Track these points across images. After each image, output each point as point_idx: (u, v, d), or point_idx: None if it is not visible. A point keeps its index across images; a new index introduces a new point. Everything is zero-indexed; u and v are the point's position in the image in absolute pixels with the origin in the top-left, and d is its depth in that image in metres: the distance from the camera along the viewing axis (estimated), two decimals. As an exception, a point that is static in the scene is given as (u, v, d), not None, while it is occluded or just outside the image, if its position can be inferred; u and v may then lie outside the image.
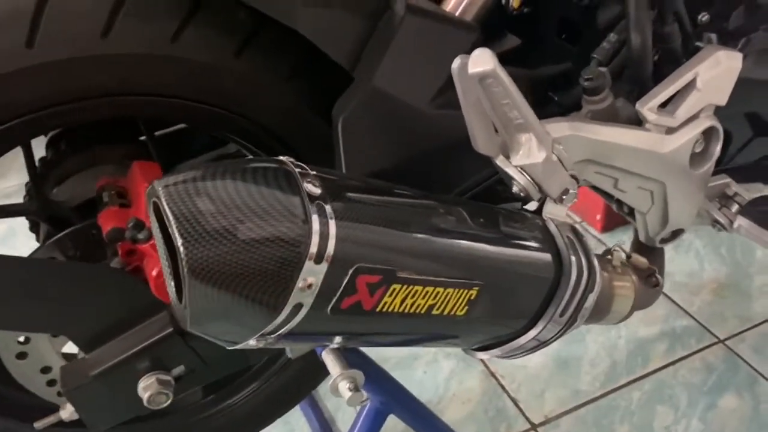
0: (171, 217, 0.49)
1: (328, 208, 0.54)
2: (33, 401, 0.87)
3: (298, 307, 0.53)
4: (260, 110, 0.80)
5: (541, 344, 0.78)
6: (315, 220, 0.52)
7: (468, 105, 0.65)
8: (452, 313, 0.63)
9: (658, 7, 0.84)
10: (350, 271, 0.54)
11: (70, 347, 0.82)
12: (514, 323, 0.72)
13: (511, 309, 0.70)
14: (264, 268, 0.50)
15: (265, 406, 1.07)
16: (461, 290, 0.63)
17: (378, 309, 0.58)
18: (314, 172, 0.56)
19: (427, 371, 1.52)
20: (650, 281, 0.94)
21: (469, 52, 0.80)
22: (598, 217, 1.85)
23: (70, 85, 0.69)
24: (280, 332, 0.55)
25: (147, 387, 0.74)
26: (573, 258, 0.73)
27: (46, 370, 0.85)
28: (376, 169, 0.76)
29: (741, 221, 1.00)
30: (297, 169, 0.55)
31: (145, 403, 0.74)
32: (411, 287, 0.59)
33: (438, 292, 0.61)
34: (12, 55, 0.65)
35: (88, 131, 0.96)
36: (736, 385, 1.43)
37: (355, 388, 0.70)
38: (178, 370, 0.77)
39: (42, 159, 0.96)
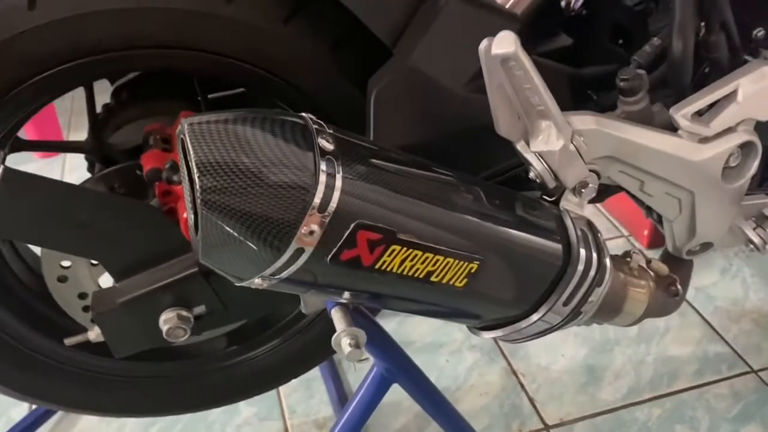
0: (191, 152, 0.54)
1: (337, 163, 0.57)
2: (66, 323, 0.94)
3: (300, 251, 0.57)
4: (302, 77, 0.84)
5: (544, 331, 0.79)
6: (322, 173, 0.56)
7: (492, 88, 0.68)
8: (451, 282, 0.66)
9: (705, 17, 0.84)
10: (352, 225, 0.58)
11: (108, 280, 0.89)
12: (515, 305, 0.74)
13: (511, 289, 0.72)
14: (271, 210, 0.55)
15: (285, 363, 1.12)
16: (461, 262, 0.65)
17: (376, 266, 0.61)
18: (331, 131, 0.60)
19: (450, 360, 1.54)
20: (670, 290, 0.94)
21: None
22: (646, 232, 1.83)
23: (130, 34, 0.75)
24: (281, 275, 0.59)
25: (167, 320, 0.80)
26: (583, 250, 0.75)
27: (82, 296, 0.92)
28: (402, 144, 0.79)
29: (774, 244, 0.98)
30: (315, 126, 0.59)
31: (164, 334, 0.80)
32: (411, 250, 0.62)
33: (438, 260, 0.64)
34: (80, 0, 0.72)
35: (150, 85, 1.03)
36: (762, 417, 1.40)
37: (356, 345, 0.73)
38: (199, 309, 0.83)
39: (106, 105, 1.04)
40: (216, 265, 0.60)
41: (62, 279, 0.90)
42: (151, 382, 1.06)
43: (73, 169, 2.21)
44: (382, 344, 0.90)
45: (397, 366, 0.93)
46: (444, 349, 1.56)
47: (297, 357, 1.12)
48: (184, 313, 0.80)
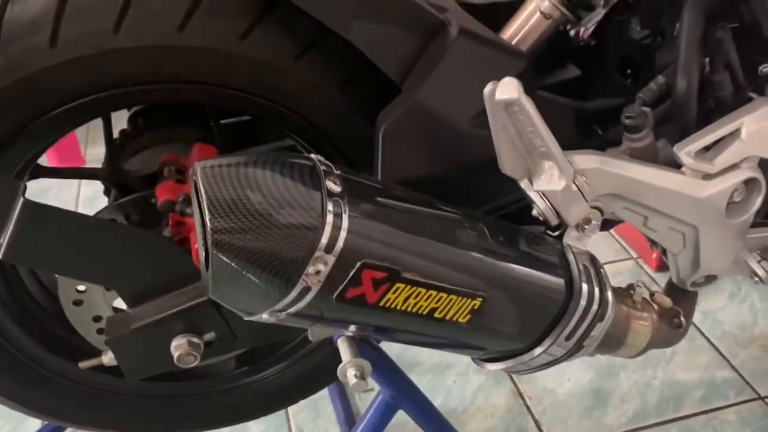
0: (203, 194, 0.56)
1: (344, 204, 0.59)
2: (80, 344, 0.97)
3: (307, 290, 0.59)
4: (314, 111, 0.86)
5: (547, 363, 0.81)
6: (329, 213, 0.58)
7: (496, 129, 0.70)
8: (454, 318, 0.68)
9: (710, 55, 0.86)
10: (357, 265, 0.60)
11: (122, 303, 0.92)
12: (518, 339, 0.76)
13: (514, 325, 0.73)
14: (279, 250, 0.57)
15: (293, 384, 1.14)
16: (465, 299, 0.67)
17: (381, 304, 0.63)
18: (338, 172, 0.62)
19: (457, 381, 1.55)
20: (673, 322, 0.95)
21: (519, 78, 0.85)
22: (654, 255, 1.83)
23: (146, 69, 0.78)
24: (289, 311, 0.61)
25: (178, 346, 0.82)
26: (585, 285, 0.76)
27: (97, 318, 0.95)
28: (409, 179, 0.81)
29: (778, 277, 0.99)
30: (322, 167, 0.61)
31: (174, 360, 0.82)
32: (414, 288, 0.64)
33: (441, 297, 0.66)
34: (100, 38, 0.75)
35: (165, 112, 1.06)
36: (769, 444, 1.40)
37: (361, 377, 0.75)
38: (209, 336, 0.85)
39: (122, 131, 1.06)
40: (225, 300, 0.62)
41: (78, 303, 0.93)
42: (161, 401, 1.09)
43: (91, 183, 2.25)
44: (388, 372, 0.92)
45: (403, 393, 0.94)
46: (451, 370, 1.57)
47: (305, 378, 1.14)
48: (195, 339, 0.82)
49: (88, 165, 2.42)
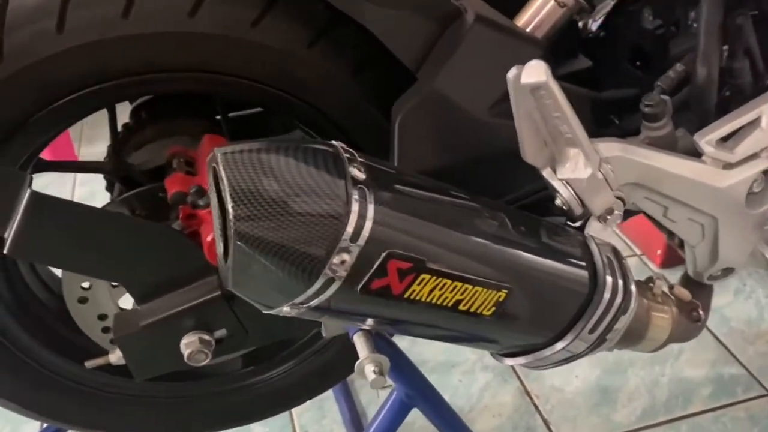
0: (225, 181, 0.54)
1: (369, 192, 0.57)
2: (86, 344, 0.94)
3: (331, 281, 0.57)
4: (327, 100, 0.84)
5: (567, 359, 0.79)
6: (355, 201, 0.56)
7: (520, 115, 0.68)
8: (479, 311, 0.66)
9: (729, 43, 0.84)
10: (383, 254, 0.58)
11: (127, 301, 0.89)
12: (541, 333, 0.74)
13: (539, 318, 0.72)
14: (303, 240, 0.55)
15: (300, 384, 1.11)
16: (490, 290, 0.65)
17: (406, 295, 0.61)
18: (362, 159, 0.60)
19: (463, 380, 1.53)
20: (692, 315, 0.94)
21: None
22: (659, 252, 1.82)
23: (156, 57, 0.75)
24: (311, 303, 0.59)
25: (189, 344, 0.80)
26: (609, 278, 0.74)
27: (102, 317, 0.92)
28: (427, 169, 0.79)
29: (795, 270, 0.98)
30: (346, 154, 0.59)
31: (185, 358, 0.79)
32: (440, 279, 0.62)
33: (466, 289, 0.63)
34: (109, 24, 0.72)
35: (169, 104, 1.04)
36: (779, 441, 1.39)
37: (380, 372, 0.73)
38: (220, 333, 0.82)
39: (125, 125, 1.04)
40: (246, 293, 0.59)
41: (83, 300, 0.90)
42: (167, 401, 1.06)
43: (85, 183, 2.22)
44: (404, 369, 0.90)
45: (418, 391, 0.92)
46: (457, 369, 1.55)
47: (312, 378, 1.12)
48: (206, 336, 0.80)
49: (84, 163, 2.38)
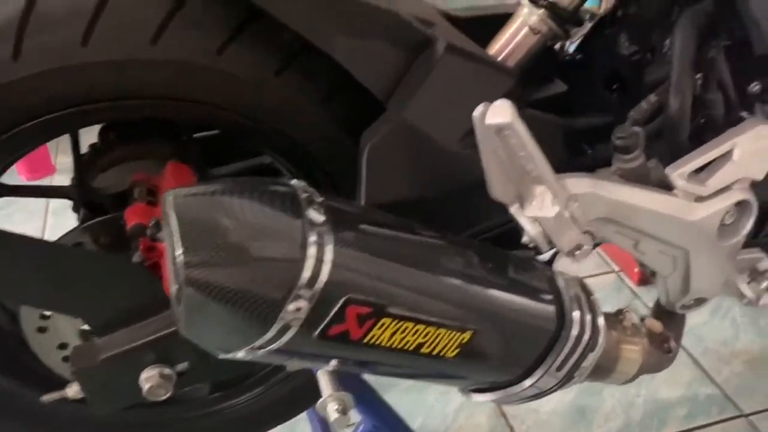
0: (175, 227, 0.52)
1: (327, 236, 0.55)
2: (47, 373, 0.91)
3: (286, 327, 0.55)
4: (295, 128, 0.82)
5: (536, 395, 0.78)
6: (312, 245, 0.54)
7: (486, 152, 0.66)
8: (442, 353, 0.64)
9: (702, 74, 0.84)
10: (341, 301, 0.56)
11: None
12: (508, 371, 0.73)
13: (504, 356, 0.70)
14: (257, 287, 0.53)
15: (269, 410, 1.10)
16: (454, 332, 0.64)
17: (365, 340, 0.59)
18: (321, 199, 0.58)
19: (438, 399, 1.52)
20: (663, 347, 0.93)
21: (505, 96, 0.82)
22: (636, 269, 1.82)
23: (116, 84, 0.73)
24: (266, 349, 0.57)
25: (149, 378, 0.77)
26: (576, 314, 0.73)
27: (63, 346, 0.89)
28: (395, 200, 0.77)
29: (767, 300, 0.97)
30: (304, 195, 0.57)
31: (144, 393, 0.77)
32: (401, 323, 0.60)
33: (429, 332, 0.62)
34: (67, 51, 0.70)
35: (136, 126, 1.01)
36: (752, 463, 1.39)
37: (343, 411, 0.71)
38: (182, 366, 0.80)
39: (91, 145, 1.01)
40: (198, 339, 0.58)
41: (42, 329, 0.88)
42: (135, 429, 1.04)
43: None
44: (370, 403, 0.88)
45: (385, 423, 0.90)
46: (432, 389, 1.54)
47: (281, 404, 1.10)
48: (166, 370, 0.78)
49: (58, 173, 2.35)
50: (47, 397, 0.82)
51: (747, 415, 1.49)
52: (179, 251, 0.51)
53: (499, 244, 0.88)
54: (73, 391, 0.80)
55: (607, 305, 1.79)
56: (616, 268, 1.91)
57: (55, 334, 0.88)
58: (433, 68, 0.76)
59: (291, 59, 0.77)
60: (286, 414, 1.12)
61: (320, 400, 0.72)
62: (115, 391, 0.79)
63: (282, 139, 0.83)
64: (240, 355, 0.58)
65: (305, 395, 1.10)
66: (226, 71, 0.75)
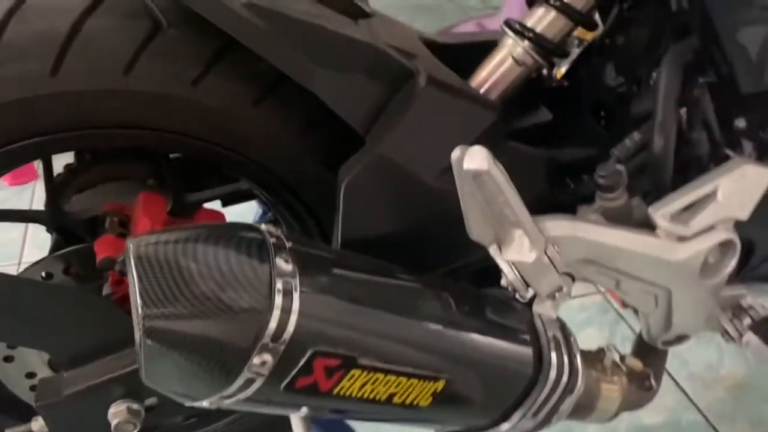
0: (135, 278, 0.50)
1: (295, 287, 0.54)
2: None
3: (251, 381, 0.53)
4: (273, 159, 0.81)
5: (513, 438, 0.76)
6: (279, 295, 0.52)
7: (464, 195, 0.65)
8: (415, 402, 0.63)
9: (687, 113, 0.83)
10: (308, 353, 0.54)
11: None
12: (484, 416, 0.71)
13: (479, 403, 0.69)
14: (219, 342, 0.51)
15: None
16: (426, 382, 0.62)
17: (335, 392, 0.58)
18: (290, 244, 0.56)
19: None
20: (644, 385, 0.92)
21: (487, 131, 0.80)
22: (622, 290, 1.81)
23: (87, 114, 0.71)
24: (231, 400, 0.55)
25: (116, 414, 0.75)
26: (555, 357, 0.72)
27: (30, 375, 0.87)
28: (372, 236, 0.76)
29: (750, 337, 0.96)
30: (272, 240, 0.55)
31: (112, 429, 0.75)
32: (372, 374, 0.58)
33: (401, 382, 0.60)
34: (37, 81, 0.68)
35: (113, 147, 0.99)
36: (734, 493, 1.37)
37: (314, 455, 0.70)
38: (151, 400, 0.78)
39: (67, 166, 0.99)
40: (160, 387, 0.56)
41: (9, 359, 0.85)
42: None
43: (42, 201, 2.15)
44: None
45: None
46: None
47: (259, 430, 1.08)
48: (134, 406, 0.76)
49: (40, 180, 2.32)
50: (11, 432, 0.80)
51: (728, 443, 1.48)
52: (139, 302, 0.50)
53: (480, 280, 0.87)
54: (38, 425, 0.77)
55: (593, 327, 1.79)
56: (602, 289, 1.89)
57: (22, 363, 0.86)
58: (413, 102, 0.74)
59: (269, 90, 0.76)
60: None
61: (291, 442, 0.70)
62: (82, 426, 0.77)
63: (259, 169, 0.82)
64: (205, 404, 0.56)
65: (282, 421, 1.09)
66: (201, 102, 0.73)
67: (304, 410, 0.63)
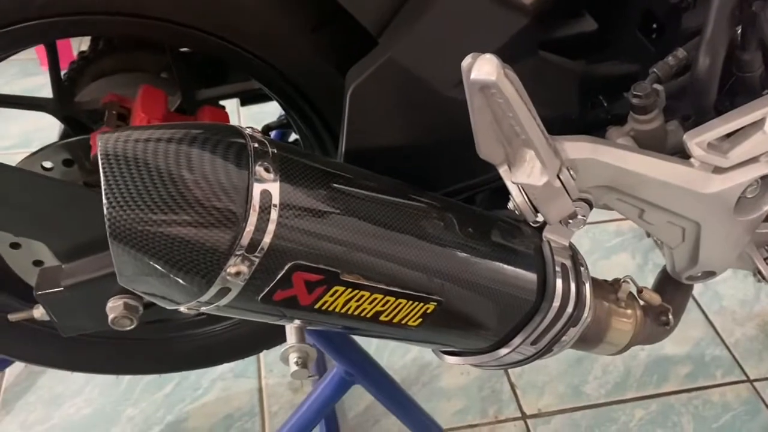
0: (102, 176, 0.47)
1: (275, 195, 0.50)
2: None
3: (225, 290, 0.51)
4: (282, 59, 0.76)
5: (515, 362, 0.74)
6: (255, 207, 0.49)
7: (473, 109, 0.59)
8: (403, 322, 0.60)
9: (741, 30, 0.73)
10: (286, 267, 0.52)
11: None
12: (480, 341, 0.69)
13: (474, 328, 0.66)
14: (189, 250, 0.48)
15: (252, 336, 1.08)
16: (415, 303, 0.59)
17: (317, 306, 0.55)
18: (274, 151, 0.52)
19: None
20: (660, 320, 0.88)
21: (516, 37, 0.73)
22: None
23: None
24: (209, 308, 0.54)
25: (113, 308, 0.75)
26: (560, 286, 0.68)
27: (38, 263, 0.88)
28: (378, 147, 0.71)
29: (784, 278, 0.90)
30: (254, 144, 0.51)
31: (109, 323, 0.76)
32: (356, 291, 0.56)
33: (388, 301, 0.58)
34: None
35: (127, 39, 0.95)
36: (749, 431, 1.35)
37: (303, 364, 0.68)
38: (150, 297, 0.78)
39: (81, 53, 0.96)
40: (137, 290, 0.54)
41: (15, 245, 0.86)
42: (120, 342, 1.04)
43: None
44: (345, 350, 0.85)
45: (358, 369, 0.88)
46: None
47: (264, 332, 1.08)
48: (132, 302, 0.75)
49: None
50: (14, 317, 0.81)
51: (752, 381, 1.44)
52: (105, 201, 0.47)
53: (492, 201, 0.82)
54: (39, 312, 0.78)
55: (626, 252, 1.73)
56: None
57: (29, 250, 0.86)
58: (435, 1, 0.68)
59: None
60: (266, 343, 1.11)
61: (282, 350, 0.69)
62: (81, 316, 0.78)
63: (269, 69, 0.77)
64: (183, 310, 0.55)
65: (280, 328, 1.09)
66: None
67: (297, 321, 0.62)
